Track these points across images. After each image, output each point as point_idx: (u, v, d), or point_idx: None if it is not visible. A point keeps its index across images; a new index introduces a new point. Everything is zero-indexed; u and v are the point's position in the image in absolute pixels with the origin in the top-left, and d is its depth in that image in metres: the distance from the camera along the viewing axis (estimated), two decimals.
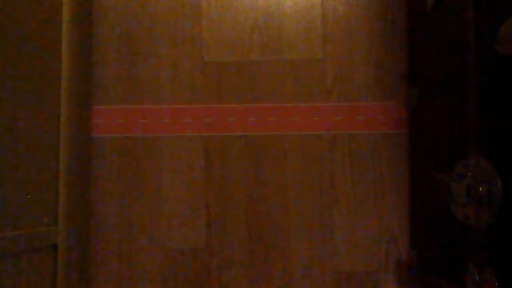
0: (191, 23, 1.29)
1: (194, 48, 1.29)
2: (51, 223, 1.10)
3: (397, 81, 1.24)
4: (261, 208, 1.25)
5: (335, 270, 1.23)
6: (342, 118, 1.25)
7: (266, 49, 1.28)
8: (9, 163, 0.97)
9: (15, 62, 0.99)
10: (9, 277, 0.96)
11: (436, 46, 1.03)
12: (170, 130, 1.27)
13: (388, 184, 1.24)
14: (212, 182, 1.26)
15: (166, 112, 1.28)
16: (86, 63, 1.27)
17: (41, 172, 1.08)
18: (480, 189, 0.77)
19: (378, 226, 1.23)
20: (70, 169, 1.16)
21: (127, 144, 1.28)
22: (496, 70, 0.76)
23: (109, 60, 1.29)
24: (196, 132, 1.27)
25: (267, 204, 1.25)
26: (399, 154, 1.24)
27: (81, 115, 1.23)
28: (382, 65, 1.26)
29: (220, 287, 1.23)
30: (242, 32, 1.29)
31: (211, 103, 1.28)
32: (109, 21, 1.30)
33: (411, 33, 1.22)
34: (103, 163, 1.27)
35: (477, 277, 0.79)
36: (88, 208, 1.26)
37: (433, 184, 0.99)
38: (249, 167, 1.26)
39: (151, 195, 1.26)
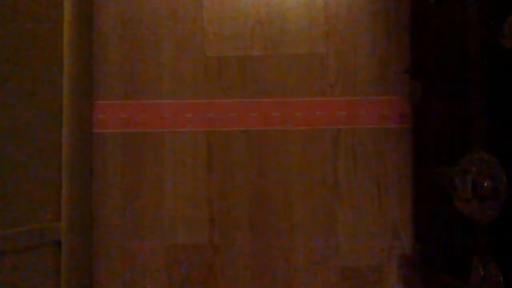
0: (192, 18, 1.29)
1: (196, 43, 1.28)
2: (54, 219, 1.10)
3: (400, 75, 1.24)
4: (264, 203, 1.24)
5: (338, 265, 1.23)
6: (345, 113, 1.25)
7: (268, 43, 1.27)
8: (11, 160, 0.97)
9: (17, 59, 0.99)
10: (13, 273, 0.96)
11: (440, 40, 1.02)
12: (172, 125, 1.27)
13: (391, 178, 1.24)
14: (215, 178, 1.26)
15: (168, 107, 1.27)
16: (87, 58, 1.26)
17: (44, 168, 1.08)
18: (485, 184, 0.77)
19: (382, 221, 1.23)
20: (72, 165, 1.15)
21: (129, 139, 1.27)
22: (501, 64, 0.76)
23: (111, 55, 1.29)
24: (198, 127, 1.27)
25: (270, 200, 1.25)
26: (402, 148, 1.24)
27: (83, 110, 1.23)
28: (385, 59, 1.25)
29: (224, 282, 1.24)
30: (244, 27, 1.28)
31: (213, 98, 1.27)
32: (110, 16, 1.29)
33: (414, 27, 1.21)
34: (105, 158, 1.27)
35: (481, 273, 0.79)
36: (90, 204, 1.26)
37: (437, 179, 0.99)
38: (251, 162, 1.25)
39: (154, 191, 1.26)
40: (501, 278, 0.74)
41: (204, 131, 1.27)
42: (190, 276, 1.24)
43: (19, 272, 0.98)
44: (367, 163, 1.24)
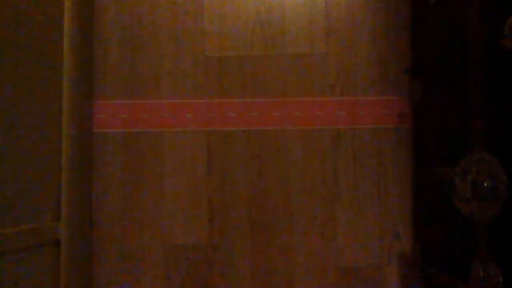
0: (193, 17, 1.29)
1: (196, 43, 1.28)
2: (53, 219, 1.10)
3: (400, 75, 1.24)
4: (264, 203, 1.24)
5: (338, 265, 1.23)
6: (345, 113, 1.25)
7: (268, 43, 1.27)
8: (11, 160, 0.97)
9: (17, 58, 0.99)
10: (12, 272, 0.96)
11: (440, 40, 1.02)
12: (172, 125, 1.27)
13: (391, 179, 1.24)
14: (215, 177, 1.26)
15: (168, 107, 1.27)
16: (87, 58, 1.26)
17: (44, 167, 1.08)
18: (485, 184, 0.77)
19: (381, 221, 1.23)
20: (72, 164, 1.15)
21: (129, 139, 1.27)
22: (501, 64, 0.76)
23: (111, 55, 1.29)
24: (198, 127, 1.27)
25: (270, 199, 1.24)
26: (402, 149, 1.24)
27: (83, 110, 1.23)
28: (386, 59, 1.25)
29: (223, 282, 1.23)
30: (244, 26, 1.28)
31: (213, 98, 1.27)
32: (110, 16, 1.29)
33: (414, 27, 1.21)
34: (105, 158, 1.27)
35: (481, 273, 0.79)
36: (90, 203, 1.25)
37: (436, 179, 0.99)
38: (251, 162, 1.25)
39: (154, 191, 1.26)
40: (500, 278, 0.74)
41: (204, 130, 1.27)
42: (190, 276, 1.24)
43: (18, 272, 0.98)
44: (367, 163, 1.24)
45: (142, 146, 1.27)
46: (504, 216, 0.74)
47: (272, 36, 1.27)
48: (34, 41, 1.05)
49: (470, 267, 0.82)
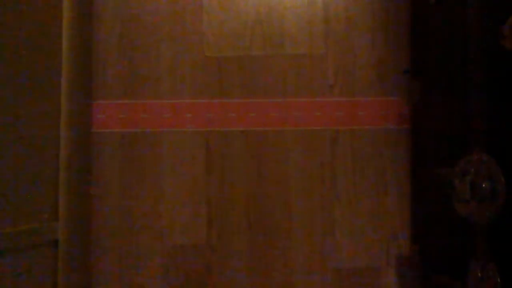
0: (192, 18, 1.28)
1: (195, 43, 1.28)
2: (52, 218, 1.10)
3: (399, 75, 1.23)
4: (262, 204, 1.24)
5: (336, 266, 1.22)
6: (344, 114, 1.25)
7: (267, 43, 1.27)
8: (9, 159, 0.96)
9: (17, 58, 0.99)
10: (11, 272, 0.96)
11: (440, 40, 1.02)
12: (171, 125, 1.27)
13: (390, 179, 1.23)
14: (213, 178, 1.25)
15: (167, 107, 1.27)
16: (86, 58, 1.26)
17: (42, 167, 1.08)
18: (484, 185, 0.77)
19: (380, 221, 1.23)
20: (70, 164, 1.15)
21: (128, 139, 1.27)
22: (501, 64, 0.76)
23: (110, 55, 1.29)
24: (197, 127, 1.27)
25: (268, 200, 1.24)
26: (401, 150, 1.23)
27: (82, 110, 1.23)
28: (384, 60, 1.25)
29: (221, 282, 1.23)
30: (243, 27, 1.28)
31: (212, 98, 1.27)
32: (110, 16, 1.29)
33: (414, 27, 1.21)
34: (104, 158, 1.27)
35: (479, 273, 0.79)
36: (89, 203, 1.25)
37: (435, 180, 0.98)
38: (250, 163, 1.25)
39: (152, 191, 1.26)
40: (498, 279, 0.74)
41: (203, 131, 1.26)
42: (188, 276, 1.24)
43: (17, 271, 0.98)
44: (366, 164, 1.24)
45: (141, 146, 1.27)
46: (503, 217, 0.74)
47: (272, 36, 1.27)
48: (33, 41, 1.05)
49: (468, 267, 0.82)
